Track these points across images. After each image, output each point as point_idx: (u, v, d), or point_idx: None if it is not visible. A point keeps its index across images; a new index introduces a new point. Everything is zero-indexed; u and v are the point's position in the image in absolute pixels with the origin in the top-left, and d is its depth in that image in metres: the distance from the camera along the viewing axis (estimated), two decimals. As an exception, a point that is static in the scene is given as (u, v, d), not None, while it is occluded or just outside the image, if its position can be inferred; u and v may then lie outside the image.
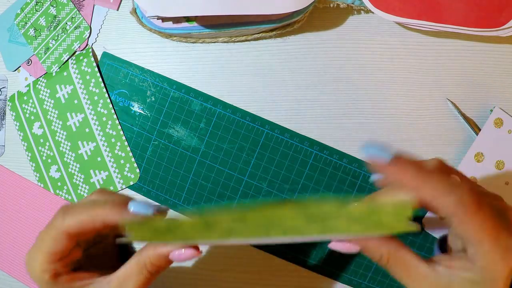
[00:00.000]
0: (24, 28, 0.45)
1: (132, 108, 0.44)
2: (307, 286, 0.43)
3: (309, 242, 0.31)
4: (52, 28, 0.45)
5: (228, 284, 0.44)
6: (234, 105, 0.43)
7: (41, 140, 0.46)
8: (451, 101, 0.41)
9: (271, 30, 0.40)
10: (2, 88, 0.47)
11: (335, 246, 0.26)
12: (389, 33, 0.42)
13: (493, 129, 0.40)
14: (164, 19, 0.40)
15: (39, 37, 0.45)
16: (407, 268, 0.25)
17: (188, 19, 0.40)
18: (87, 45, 0.45)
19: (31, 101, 0.46)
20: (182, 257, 0.26)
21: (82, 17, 0.44)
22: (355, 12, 0.41)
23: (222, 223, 0.22)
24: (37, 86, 0.46)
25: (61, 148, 0.45)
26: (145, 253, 0.27)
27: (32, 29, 0.45)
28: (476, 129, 0.41)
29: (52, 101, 0.45)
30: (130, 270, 0.28)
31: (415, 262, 0.25)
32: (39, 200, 0.46)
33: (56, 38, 0.45)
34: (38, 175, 0.46)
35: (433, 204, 0.24)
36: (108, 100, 0.44)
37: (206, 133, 0.43)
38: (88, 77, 0.44)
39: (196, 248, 0.26)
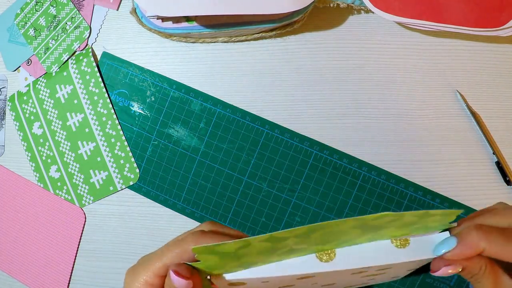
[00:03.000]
0: (24, 28, 0.45)
1: (132, 108, 0.44)
2: None
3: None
4: (52, 28, 0.45)
5: None
6: (234, 105, 0.43)
7: (41, 140, 0.46)
8: (460, 93, 0.41)
9: (271, 30, 0.40)
10: (2, 88, 0.47)
11: (439, 271, 0.26)
12: (389, 33, 0.42)
13: None
14: (164, 19, 0.40)
15: (39, 37, 0.45)
16: (498, 280, 0.26)
17: (188, 19, 0.39)
18: (87, 45, 0.45)
19: (31, 101, 0.46)
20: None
21: (82, 17, 0.44)
22: (355, 12, 0.41)
23: (288, 240, 0.22)
24: (37, 86, 0.45)
25: (61, 148, 0.45)
26: None
27: (32, 29, 0.45)
28: (482, 125, 0.41)
29: (52, 101, 0.45)
30: None
31: (505, 276, 0.26)
32: (39, 200, 0.46)
33: (56, 38, 0.45)
34: (38, 175, 0.46)
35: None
36: (108, 100, 0.44)
37: (206, 133, 0.43)
38: (88, 77, 0.44)
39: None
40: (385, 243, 0.26)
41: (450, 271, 0.25)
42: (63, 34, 0.45)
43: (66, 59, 0.45)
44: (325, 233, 0.22)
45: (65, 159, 0.45)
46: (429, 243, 0.26)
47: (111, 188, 0.45)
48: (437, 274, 0.26)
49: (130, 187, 0.45)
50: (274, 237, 0.21)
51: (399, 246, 0.26)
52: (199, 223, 0.44)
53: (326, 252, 0.25)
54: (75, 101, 0.44)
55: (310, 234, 0.22)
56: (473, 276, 0.26)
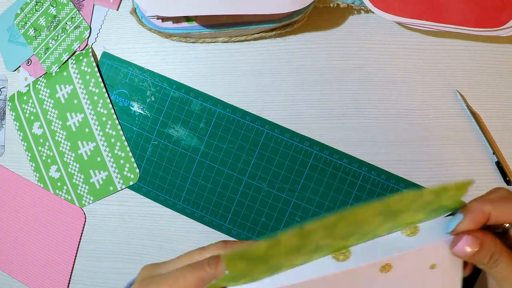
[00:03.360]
0: (24, 28, 0.45)
1: (132, 108, 0.44)
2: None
3: None
4: (52, 28, 0.45)
5: None
6: (234, 105, 0.43)
7: (41, 140, 0.46)
8: (460, 93, 0.41)
9: (271, 30, 0.40)
10: (2, 88, 0.47)
11: (458, 246, 0.26)
12: (389, 33, 0.42)
13: None
14: (164, 19, 0.40)
15: (39, 37, 0.45)
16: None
17: (188, 19, 0.39)
18: (87, 45, 0.45)
19: (31, 101, 0.46)
20: None
21: (82, 17, 0.44)
22: (355, 12, 0.41)
23: (316, 234, 0.22)
24: (37, 86, 0.45)
25: (61, 148, 0.45)
26: None
27: (32, 29, 0.45)
28: (482, 125, 0.41)
29: (52, 101, 0.45)
30: None
31: None
32: (39, 200, 0.46)
33: (56, 38, 0.45)
34: (38, 175, 0.46)
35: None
36: (108, 100, 0.44)
37: (206, 133, 0.43)
38: (88, 77, 0.44)
39: None
40: (396, 235, 0.26)
41: (468, 249, 0.25)
42: (63, 34, 0.45)
43: (66, 59, 0.45)
44: (350, 222, 0.23)
45: (65, 159, 0.45)
46: (438, 227, 0.27)
47: (111, 188, 0.45)
48: (457, 251, 0.26)
49: (130, 187, 0.45)
50: (303, 230, 0.21)
51: (409, 235, 0.26)
52: (199, 223, 0.44)
53: (341, 252, 0.25)
54: (75, 101, 0.44)
55: (337, 224, 0.22)
56: (492, 256, 0.26)
